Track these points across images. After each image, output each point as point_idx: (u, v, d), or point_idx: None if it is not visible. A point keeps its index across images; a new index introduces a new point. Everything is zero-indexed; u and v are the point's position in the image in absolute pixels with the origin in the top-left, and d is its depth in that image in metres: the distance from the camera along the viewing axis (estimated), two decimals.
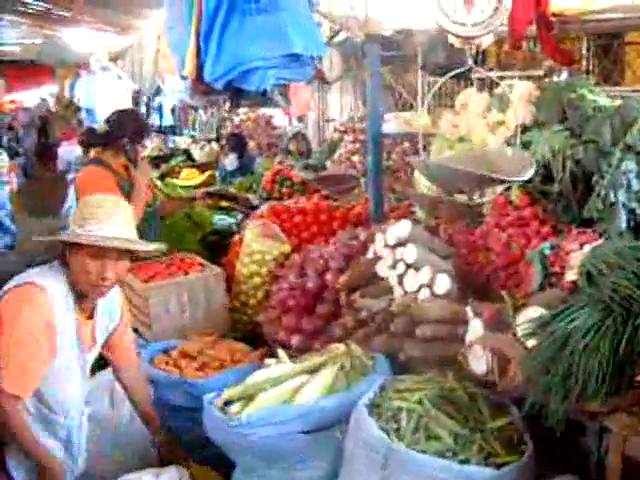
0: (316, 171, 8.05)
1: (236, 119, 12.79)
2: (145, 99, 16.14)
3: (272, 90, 5.35)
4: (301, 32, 4.90)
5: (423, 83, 9.18)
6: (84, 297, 3.44)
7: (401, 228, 3.99)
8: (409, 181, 7.04)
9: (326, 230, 5.59)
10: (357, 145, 8.06)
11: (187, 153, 12.51)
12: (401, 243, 3.95)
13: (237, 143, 10.60)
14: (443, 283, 3.72)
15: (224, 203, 6.82)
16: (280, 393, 3.37)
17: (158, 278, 5.05)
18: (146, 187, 5.58)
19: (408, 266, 3.87)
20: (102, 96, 15.73)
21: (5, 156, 16.95)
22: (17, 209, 16.47)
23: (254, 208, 7.33)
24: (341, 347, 3.71)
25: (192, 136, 14.56)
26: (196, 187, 8.61)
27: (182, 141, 14.08)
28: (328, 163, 8.49)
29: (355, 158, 8.00)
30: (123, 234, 3.37)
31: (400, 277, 3.92)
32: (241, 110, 12.75)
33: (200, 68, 5.17)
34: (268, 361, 3.72)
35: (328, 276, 4.44)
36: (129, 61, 17.73)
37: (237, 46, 4.88)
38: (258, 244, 5.14)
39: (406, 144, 7.52)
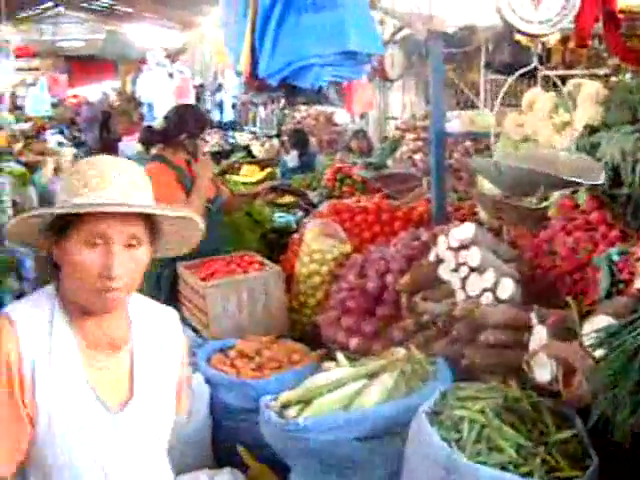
0: (377, 169, 7.98)
1: (297, 116, 12.77)
2: (207, 94, 16.17)
3: (327, 87, 5.31)
4: (358, 29, 4.83)
5: (485, 81, 9.11)
6: (88, 319, 2.35)
7: (465, 230, 3.91)
8: (471, 181, 6.96)
9: (388, 230, 5.52)
10: (419, 143, 7.99)
11: (247, 149, 12.53)
12: (464, 246, 3.87)
13: (298, 140, 10.57)
14: (507, 287, 3.63)
15: (286, 199, 6.76)
16: (338, 397, 3.30)
17: (217, 276, 4.99)
18: (208, 183, 5.55)
19: (471, 269, 3.79)
20: (160, 91, 15.80)
21: (67, 149, 17.18)
22: None
23: (314, 206, 7.30)
24: (401, 351, 3.63)
25: (252, 132, 14.58)
26: (256, 184, 8.57)
27: (242, 137, 14.10)
28: (389, 161, 8.42)
29: (417, 157, 7.92)
30: (130, 198, 2.28)
31: (463, 280, 3.84)
32: (302, 107, 12.74)
33: (255, 64, 5.14)
34: (327, 364, 3.66)
35: (389, 278, 4.37)
36: (190, 57, 17.90)
37: (292, 42, 4.84)
38: (318, 243, 5.07)
39: (468, 143, 7.42)
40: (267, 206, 6.97)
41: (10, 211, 8.88)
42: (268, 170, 9.61)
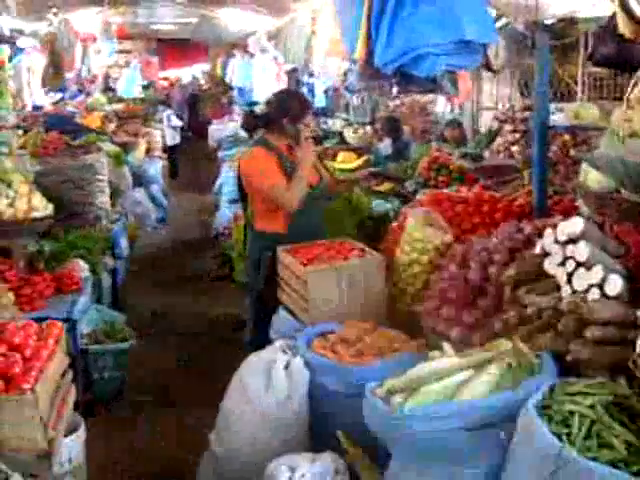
0: (474, 160, 7.95)
1: (390, 104, 12.75)
2: (300, 80, 16.19)
3: (442, 76, 5.30)
4: (473, 18, 4.82)
5: (583, 74, 8.99)
6: None
7: (573, 224, 3.87)
8: (567, 175, 6.90)
9: (488, 221, 5.49)
10: (517, 135, 7.91)
11: (340, 136, 12.55)
12: (572, 240, 3.83)
13: (392, 127, 10.57)
14: (615, 284, 3.59)
15: (384, 186, 6.77)
16: (444, 387, 3.30)
17: (318, 261, 5.03)
18: (310, 168, 5.59)
19: (579, 264, 3.75)
20: (259, 76, 15.88)
21: (157, 131, 17.41)
22: (169, 185, 16.92)
23: (410, 194, 7.31)
24: (507, 343, 3.62)
25: (345, 119, 14.59)
26: (354, 170, 8.58)
27: (335, 123, 14.12)
28: (486, 153, 8.37)
29: (514, 148, 7.87)
30: None
31: (569, 275, 3.79)
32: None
33: (370, 52, 5.15)
34: (433, 353, 3.66)
35: (492, 269, 4.34)
36: (283, 42, 17.88)
37: (409, 31, 4.84)
38: (420, 232, 5.08)
39: (566, 137, 7.34)
40: (365, 194, 6.98)
41: (108, 190, 9.03)
42: (364, 157, 9.61)
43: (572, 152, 7.34)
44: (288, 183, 5.45)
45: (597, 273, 3.65)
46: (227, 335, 8.27)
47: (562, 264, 3.88)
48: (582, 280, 3.71)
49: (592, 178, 4.84)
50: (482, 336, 4.13)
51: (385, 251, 5.57)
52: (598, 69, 8.77)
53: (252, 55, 16.92)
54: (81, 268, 6.88)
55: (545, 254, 4.04)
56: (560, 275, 3.88)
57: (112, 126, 15.55)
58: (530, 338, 3.80)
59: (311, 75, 15.28)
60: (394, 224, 5.89)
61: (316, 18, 12.28)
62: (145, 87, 24.34)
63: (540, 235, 4.38)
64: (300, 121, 5.65)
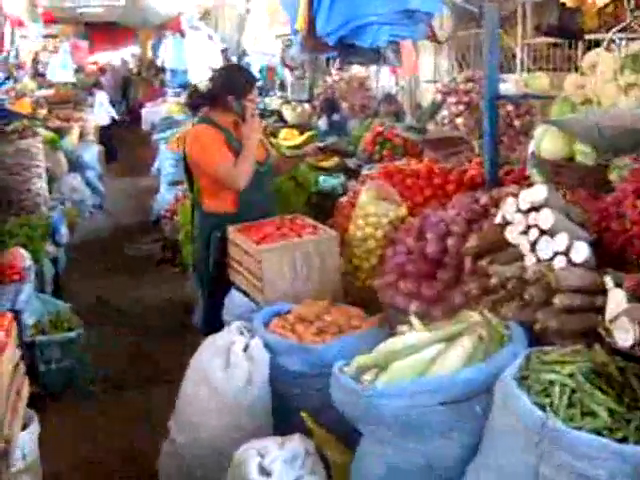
0: (418, 133, 7.87)
1: (329, 80, 12.64)
2: (234, 59, 16.02)
3: (385, 48, 5.21)
4: None
5: (523, 45, 9.02)
6: None
7: (536, 192, 3.79)
8: (511, 145, 6.88)
9: (440, 193, 5.44)
10: (461, 107, 7.84)
11: (278, 114, 12.43)
12: (535, 208, 3.76)
13: (329, 106, 10.53)
14: (581, 251, 3.53)
15: (329, 162, 6.66)
16: (416, 362, 3.21)
17: (271, 240, 4.91)
18: (257, 145, 5.47)
19: (542, 232, 3.68)
20: (193, 56, 15.70)
21: (90, 115, 17.14)
22: (105, 169, 16.66)
23: (354, 170, 7.23)
24: (475, 315, 3.54)
25: (282, 97, 14.45)
26: (299, 146, 8.45)
27: (272, 102, 14.00)
28: (430, 125, 8.30)
29: (459, 120, 7.78)
30: None
31: (533, 244, 3.73)
32: (333, 71, 12.64)
33: (312, 23, 5.05)
34: (401, 328, 3.56)
35: (450, 241, 4.28)
36: (212, 22, 17.73)
37: (350, 1, 4.74)
38: (373, 206, 4.98)
39: (509, 107, 7.29)
40: (309, 169, 6.88)
41: (45, 176, 8.83)
42: (309, 133, 9.46)
43: (516, 122, 7.30)
44: (236, 160, 5.32)
45: (562, 240, 3.59)
46: (175, 319, 8.12)
47: (525, 233, 3.81)
48: (547, 248, 3.65)
49: (546, 147, 4.79)
50: (443, 309, 4.09)
51: (335, 227, 5.50)
52: (535, 40, 8.79)
53: (184, 35, 16.72)
54: (22, 257, 6.69)
55: (506, 223, 3.97)
56: (523, 244, 3.81)
57: (43, 112, 15.29)
58: (494, 309, 3.74)
59: (243, 54, 15.18)
60: (343, 199, 5.80)
61: None
62: (76, 71, 23.97)
63: (497, 205, 4.35)
64: (245, 97, 5.50)
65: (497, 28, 5.31)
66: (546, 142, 4.75)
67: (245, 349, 4.17)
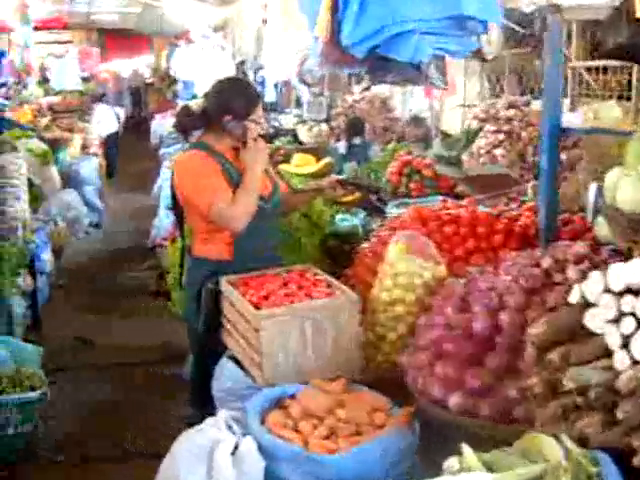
0: (450, 165, 6.93)
1: (349, 99, 11.84)
2: (249, 73, 15.26)
3: (428, 63, 4.27)
4: None
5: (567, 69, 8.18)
6: None
7: (636, 269, 2.79)
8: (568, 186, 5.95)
9: (485, 246, 4.46)
10: (500, 137, 6.93)
11: (293, 134, 11.60)
12: (633, 291, 2.76)
13: (355, 128, 9.65)
14: None
15: (354, 196, 5.70)
16: None
17: (273, 301, 3.86)
18: (261, 175, 4.49)
19: None
20: (202, 67, 14.91)
21: (93, 126, 16.46)
22: (106, 185, 15.92)
23: (378, 207, 6.32)
24: (546, 442, 2.52)
25: (297, 115, 13.65)
26: (313, 176, 7.45)
27: (287, 120, 13.20)
28: (464, 156, 7.37)
29: (498, 152, 6.87)
30: None
31: (626, 338, 2.73)
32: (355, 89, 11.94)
33: (336, 29, 4.10)
34: (449, 462, 2.52)
35: (504, 316, 3.36)
36: (230, 34, 17.25)
37: (387, 2, 3.85)
38: (405, 263, 3.97)
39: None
40: (324, 206, 5.91)
41: (25, 196, 7.91)
42: (326, 160, 8.44)
43: (562, 155, 6.38)
44: (234, 195, 4.33)
45: None
46: (162, 370, 7.24)
47: (615, 321, 2.81)
48: None
49: (624, 198, 3.80)
50: (492, 406, 3.20)
51: (355, 281, 4.58)
52: (585, 63, 7.92)
53: (194, 44, 16.07)
54: None
55: (587, 305, 2.97)
56: (612, 336, 2.81)
57: (45, 120, 14.61)
58: (565, 417, 2.76)
59: (259, 68, 14.53)
60: (365, 247, 4.83)
61: (268, 5, 11.47)
62: (86, 79, 23.39)
63: (562, 270, 3.44)
64: (247, 117, 4.50)
65: (561, 46, 4.43)
66: (625, 191, 3.77)
67: (233, 452, 3.18)
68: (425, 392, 3.44)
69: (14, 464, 5.51)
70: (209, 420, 3.44)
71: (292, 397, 3.55)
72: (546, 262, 3.57)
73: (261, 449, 3.18)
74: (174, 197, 4.67)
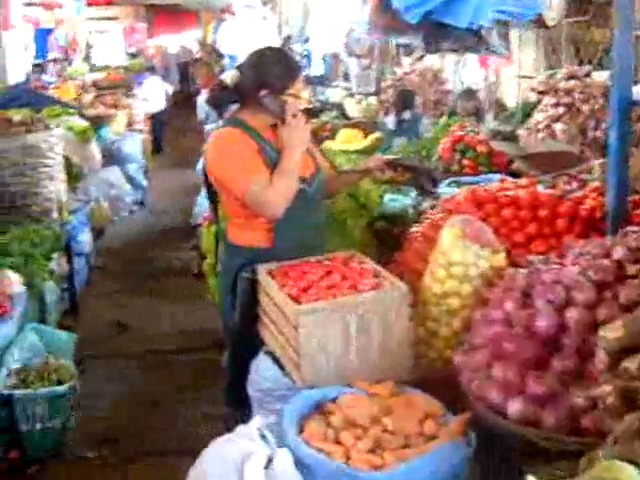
0: (506, 140, 6.54)
1: (398, 71, 11.47)
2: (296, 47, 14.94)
3: (489, 29, 3.90)
4: None
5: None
6: None
7: None
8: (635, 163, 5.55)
9: (547, 232, 4.08)
10: (560, 110, 6.51)
11: (340, 108, 11.24)
12: None
13: (406, 101, 9.26)
14: None
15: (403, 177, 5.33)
16: None
17: (314, 292, 3.49)
18: (302, 155, 4.11)
19: None
20: (245, 40, 14.59)
21: (140, 102, 16.26)
22: (151, 161, 15.74)
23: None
24: (625, 468, 2.14)
25: (346, 88, 13.28)
26: (361, 153, 7.06)
27: (334, 94, 12.83)
28: (520, 131, 6.96)
29: (557, 126, 6.45)
30: None
31: None
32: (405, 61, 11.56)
33: None
34: None
35: (571, 314, 3.00)
36: (277, 6, 17.06)
37: None
38: (459, 251, 3.58)
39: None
40: (374, 186, 5.56)
41: (62, 175, 7.65)
42: (374, 135, 8.00)
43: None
44: (271, 177, 3.97)
45: None
46: (200, 357, 7.00)
47: None
48: None
49: None
50: (557, 415, 2.84)
51: (404, 267, 4.20)
52: None
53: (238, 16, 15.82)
54: (10, 282, 5.45)
55: None
56: None
57: (89, 97, 14.42)
58: None
59: (306, 40, 14.25)
60: (416, 229, 4.47)
61: None
62: (134, 55, 23.29)
63: (637, 261, 3.08)
64: (286, 91, 4.12)
65: (632, 11, 4.01)
66: None
67: (267, 465, 2.84)
68: (480, 396, 3.09)
69: (44, 460, 5.31)
70: (241, 428, 3.10)
71: (333, 401, 3.21)
72: (618, 252, 3.19)
73: (297, 463, 2.86)
74: (207, 179, 4.32)
